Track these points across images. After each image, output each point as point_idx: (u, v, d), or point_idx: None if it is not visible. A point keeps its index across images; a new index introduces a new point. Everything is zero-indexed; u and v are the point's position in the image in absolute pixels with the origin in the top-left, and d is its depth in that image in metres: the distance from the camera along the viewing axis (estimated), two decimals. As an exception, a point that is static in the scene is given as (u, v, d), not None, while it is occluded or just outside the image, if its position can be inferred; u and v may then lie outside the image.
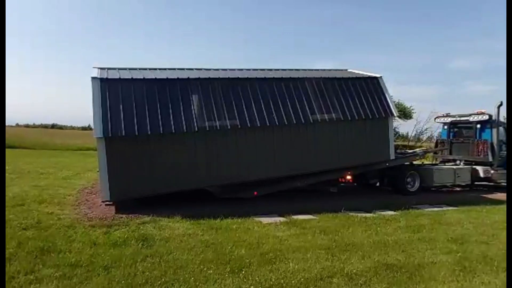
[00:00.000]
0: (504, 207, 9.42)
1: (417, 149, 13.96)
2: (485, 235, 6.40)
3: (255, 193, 8.77)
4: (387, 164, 10.34)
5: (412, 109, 32.17)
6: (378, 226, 6.77)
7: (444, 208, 8.94)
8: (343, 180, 10.43)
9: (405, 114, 31.93)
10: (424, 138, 33.83)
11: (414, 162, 12.31)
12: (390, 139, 10.05)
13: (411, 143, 29.61)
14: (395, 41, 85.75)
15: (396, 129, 30.00)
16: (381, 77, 10.10)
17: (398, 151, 12.82)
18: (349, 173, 9.99)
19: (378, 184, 11.76)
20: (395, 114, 10.13)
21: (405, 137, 34.22)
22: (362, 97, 9.65)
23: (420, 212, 8.28)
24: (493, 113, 12.45)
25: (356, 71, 10.81)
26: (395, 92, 36.08)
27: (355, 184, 11.18)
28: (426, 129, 32.61)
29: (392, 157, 10.06)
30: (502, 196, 11.07)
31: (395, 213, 8.09)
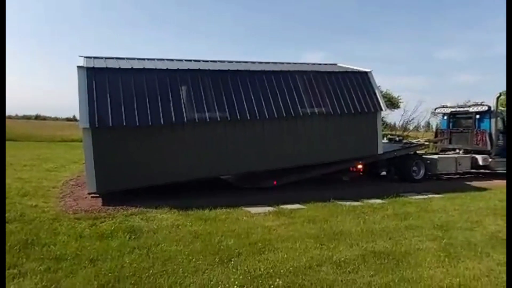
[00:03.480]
0: (487, 193, 9.70)
1: (421, 139, 14.63)
2: (469, 222, 6.55)
3: (275, 182, 8.99)
4: (395, 154, 10.92)
5: (400, 99, 32.56)
6: (366, 214, 6.85)
7: (430, 196, 9.11)
8: (355, 170, 10.79)
9: (393, 104, 32.28)
10: (411, 128, 34.41)
11: (418, 152, 12.70)
12: (379, 134, 10.14)
13: (398, 133, 30.02)
14: (383, 31, 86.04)
15: (384, 119, 30.32)
16: (370, 71, 10.12)
17: (404, 141, 13.56)
18: (360, 163, 10.31)
19: (385, 173, 12.09)
20: (383, 109, 10.21)
21: (392, 127, 34.64)
22: (352, 91, 9.67)
23: (407, 200, 8.41)
24: (492, 104, 13.05)
25: (346, 66, 10.79)
26: (383, 82, 36.46)
27: (361, 174, 11.41)
28: (413, 119, 33.16)
29: (380, 151, 10.15)
30: (491, 183, 11.51)
31: (382, 201, 8.19)
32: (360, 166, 10.74)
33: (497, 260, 4.64)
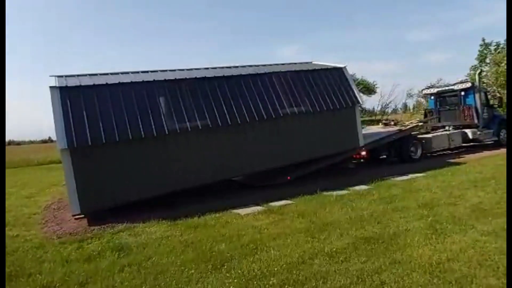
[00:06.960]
0: (466, 167, 10.03)
1: (413, 121, 15.29)
2: (452, 197, 6.75)
3: (288, 177, 9.40)
4: (394, 137, 11.51)
5: (375, 84, 33.29)
6: (353, 202, 6.94)
7: (413, 176, 9.32)
8: (359, 157, 11.34)
9: (369, 90, 32.95)
10: (390, 111, 35.24)
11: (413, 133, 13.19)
12: (358, 127, 10.31)
13: (377, 117, 30.66)
14: (355, 19, 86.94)
15: (362, 105, 30.87)
16: (345, 66, 10.27)
17: (399, 125, 14.21)
18: (362, 151, 10.72)
19: (385, 156, 12.47)
20: (361, 102, 10.42)
21: (371, 112, 35.34)
22: (329, 88, 9.80)
23: (392, 183, 8.58)
24: (475, 79, 13.96)
25: (321, 63, 10.92)
26: (357, 69, 37.08)
27: (362, 160, 11.80)
28: (390, 102, 33.97)
29: (361, 143, 10.31)
30: (478, 155, 12.11)
31: (368, 186, 8.33)
32: (363, 153, 11.08)
33: (481, 231, 4.80)
